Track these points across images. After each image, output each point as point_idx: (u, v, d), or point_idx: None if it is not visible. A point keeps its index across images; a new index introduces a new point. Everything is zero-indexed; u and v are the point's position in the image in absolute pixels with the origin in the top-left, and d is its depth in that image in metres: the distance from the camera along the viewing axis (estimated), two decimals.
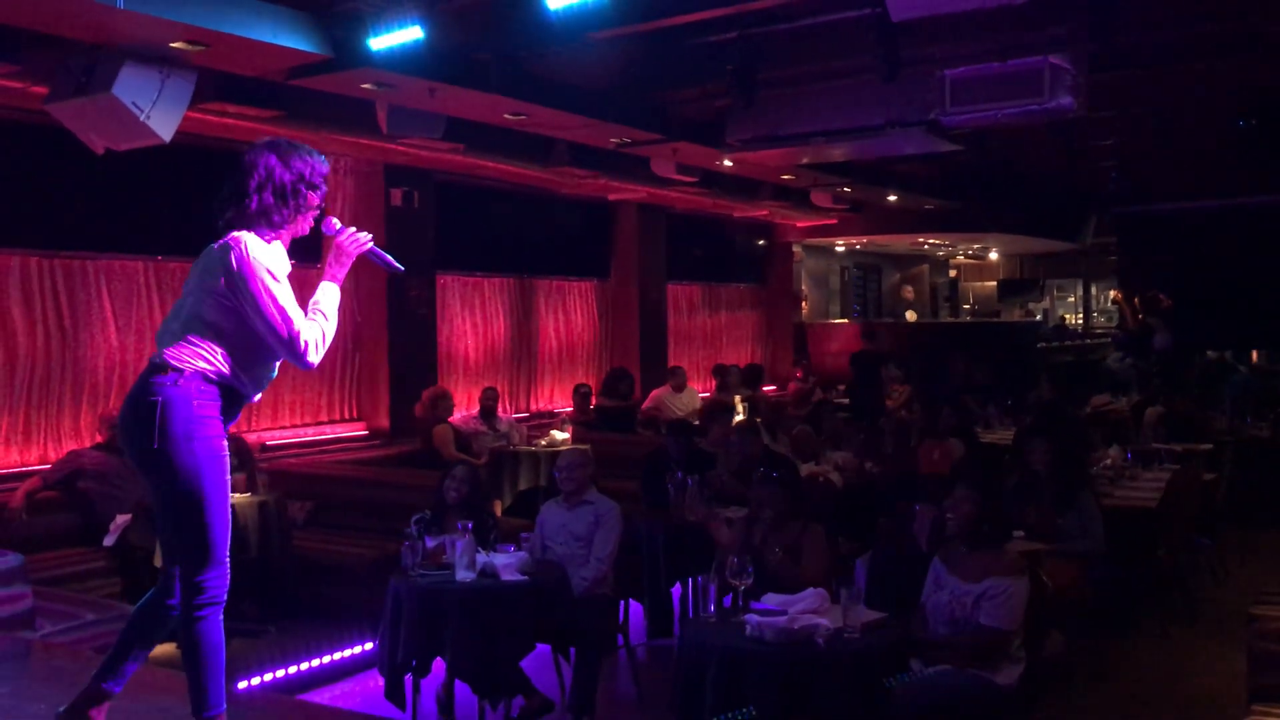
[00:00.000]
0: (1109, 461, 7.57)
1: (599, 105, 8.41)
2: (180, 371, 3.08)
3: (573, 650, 5.50)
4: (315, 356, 3.23)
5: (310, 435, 9.50)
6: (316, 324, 3.22)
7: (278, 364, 3.31)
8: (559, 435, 9.66)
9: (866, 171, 11.99)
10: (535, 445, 9.59)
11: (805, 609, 4.13)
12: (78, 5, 5.27)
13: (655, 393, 12.18)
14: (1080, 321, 22.52)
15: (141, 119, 6.10)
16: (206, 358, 3.12)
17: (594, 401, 11.59)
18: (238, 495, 6.76)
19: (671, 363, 13.39)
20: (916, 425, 9.25)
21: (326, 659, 6.19)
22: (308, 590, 6.86)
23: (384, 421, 9.99)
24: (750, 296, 16.14)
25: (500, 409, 10.38)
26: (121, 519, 6.87)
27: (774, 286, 16.43)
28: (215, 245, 3.19)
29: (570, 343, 12.76)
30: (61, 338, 7.77)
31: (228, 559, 3.17)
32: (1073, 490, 6.15)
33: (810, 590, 4.27)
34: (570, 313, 12.81)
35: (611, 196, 12.64)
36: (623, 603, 6.39)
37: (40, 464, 7.48)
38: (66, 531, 6.99)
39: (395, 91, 7.18)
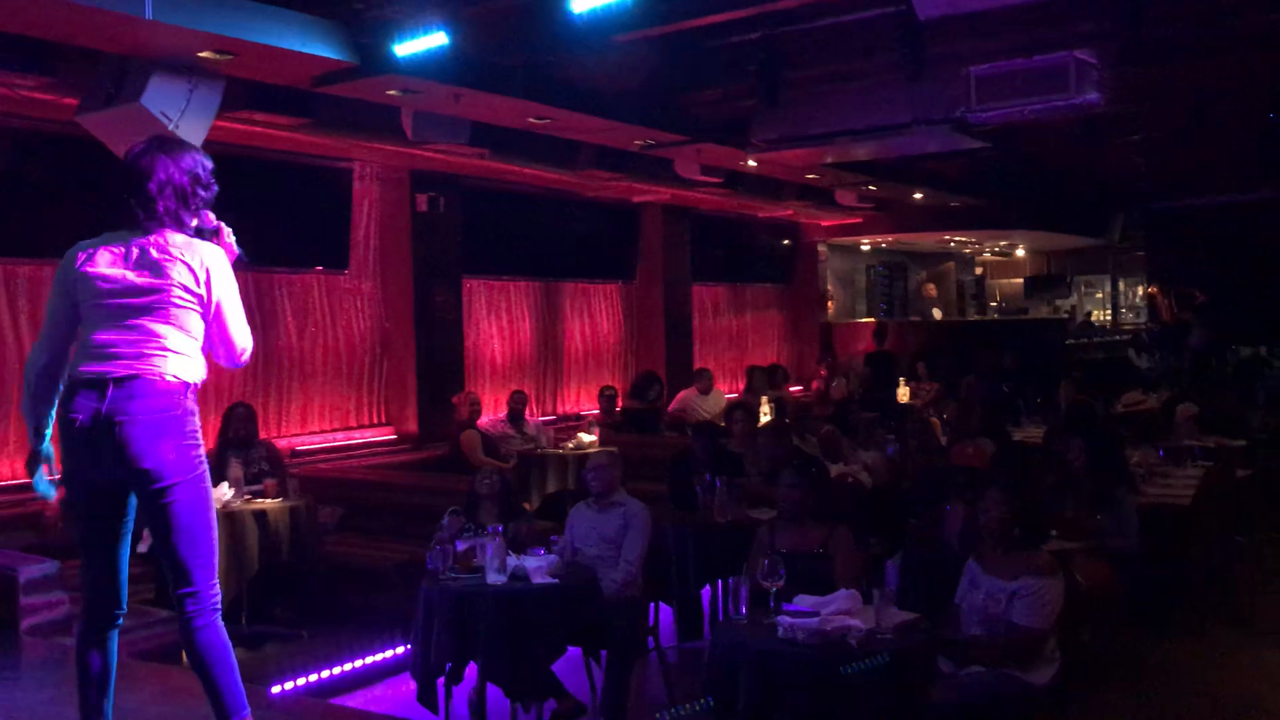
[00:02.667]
0: (1138, 459, 7.50)
1: (623, 108, 8.43)
2: (182, 382, 3.14)
3: (603, 653, 5.51)
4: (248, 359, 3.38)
5: (339, 440, 9.56)
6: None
7: None
8: (586, 438, 9.67)
9: (892, 170, 11.94)
10: (563, 448, 9.60)
11: (837, 610, 4.12)
12: (107, 18, 5.32)
13: (681, 394, 12.17)
14: (1108, 318, 22.34)
15: (170, 128, 6.15)
16: (196, 368, 3.20)
17: (620, 404, 11.59)
18: (270, 501, 6.82)
19: (697, 364, 13.37)
20: (950, 424, 9.21)
21: (359, 663, 6.21)
22: (339, 595, 6.90)
23: (412, 426, 10.03)
24: (776, 297, 16.10)
25: (527, 412, 10.40)
26: None
27: (799, 286, 16.39)
28: (152, 246, 3.14)
29: (596, 345, 12.78)
30: None
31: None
32: (1111, 488, 6.10)
33: (842, 591, 4.25)
34: (596, 315, 12.83)
35: (636, 199, 12.65)
36: (652, 605, 6.40)
37: None
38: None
39: (420, 97, 7.21)
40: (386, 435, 9.99)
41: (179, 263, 3.14)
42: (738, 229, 15.00)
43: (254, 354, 8.52)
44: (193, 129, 6.27)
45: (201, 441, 3.21)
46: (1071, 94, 7.18)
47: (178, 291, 3.13)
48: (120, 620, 3.27)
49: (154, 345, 3.11)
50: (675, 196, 12.42)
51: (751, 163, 10.44)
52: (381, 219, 10.03)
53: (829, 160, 10.48)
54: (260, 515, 6.64)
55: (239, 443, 7.58)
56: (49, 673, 3.89)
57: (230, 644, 3.21)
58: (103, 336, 3.11)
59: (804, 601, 4.25)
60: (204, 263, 3.18)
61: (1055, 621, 4.34)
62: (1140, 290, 21.42)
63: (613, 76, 8.04)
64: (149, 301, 3.12)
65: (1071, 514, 5.94)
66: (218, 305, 3.21)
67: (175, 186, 3.19)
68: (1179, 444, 8.29)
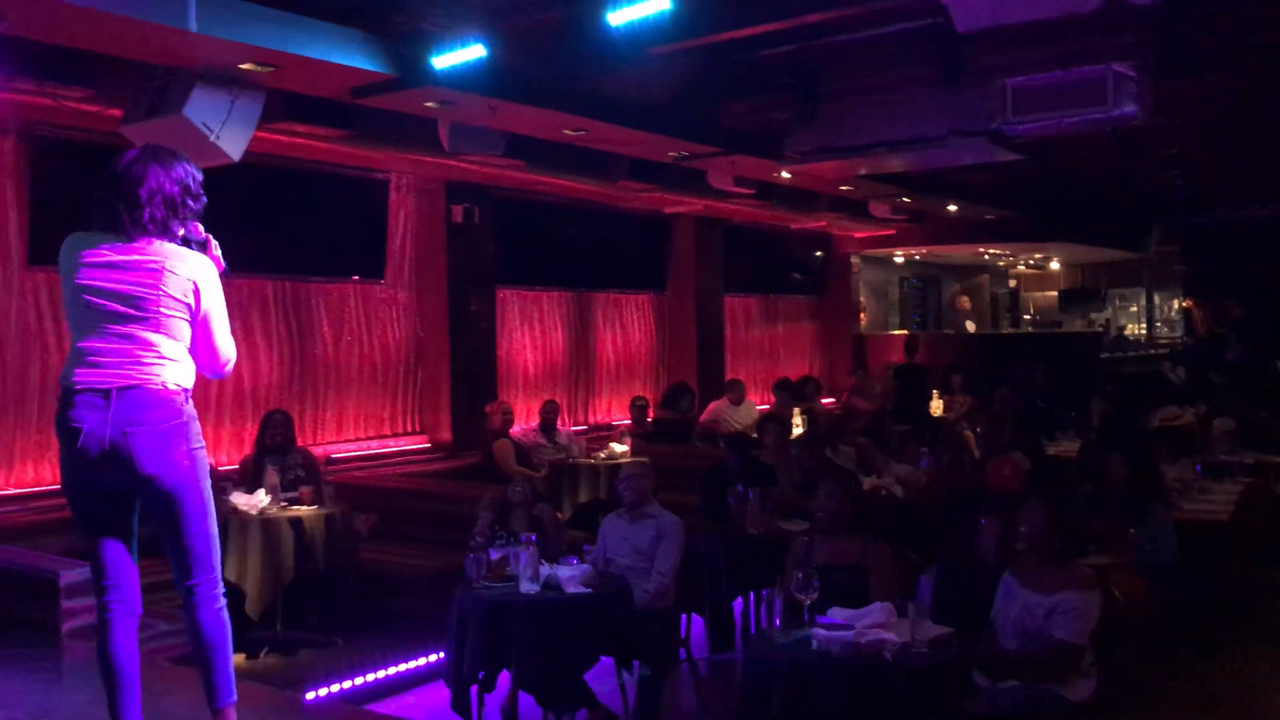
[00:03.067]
0: (1175, 474, 7.43)
1: (657, 119, 8.46)
2: (181, 389, 3.22)
3: (635, 663, 5.52)
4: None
5: (374, 448, 9.62)
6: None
7: None
8: (618, 448, 9.69)
9: (926, 182, 11.91)
10: (594, 458, 9.62)
11: (872, 624, 4.11)
12: (153, 30, 5.41)
13: (713, 405, 12.16)
14: (1143, 332, 22.16)
15: (212, 139, 6.25)
16: (190, 375, 3.27)
17: (651, 414, 11.61)
18: (306, 508, 6.87)
19: (729, 375, 13.38)
20: (983, 437, 9.16)
21: (393, 670, 6.25)
22: (373, 602, 6.94)
23: (446, 435, 10.09)
24: (808, 308, 16.08)
25: (559, 422, 10.44)
26: None
27: (832, 298, 16.35)
28: (143, 254, 3.17)
29: (628, 356, 12.80)
30: None
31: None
32: (1146, 503, 6.05)
33: (877, 605, 4.25)
34: (628, 326, 12.85)
35: (668, 210, 12.68)
36: (683, 616, 6.40)
37: None
38: (141, 543, 7.11)
39: (457, 109, 7.27)
40: (420, 444, 10.05)
41: (168, 272, 3.17)
42: (770, 240, 14.99)
43: (291, 361, 8.73)
44: (234, 140, 6.36)
45: (204, 444, 3.31)
46: (1109, 106, 7.14)
47: (167, 300, 3.17)
48: (138, 614, 3.39)
49: (150, 354, 3.16)
50: (708, 208, 12.44)
51: (785, 174, 10.44)
52: (417, 229, 10.11)
53: (863, 172, 10.47)
54: (296, 522, 6.69)
55: (275, 449, 7.65)
56: (89, 675, 3.94)
57: (230, 633, 3.37)
58: (95, 344, 3.15)
59: (838, 615, 4.25)
60: (193, 273, 3.22)
61: (1093, 637, 4.31)
62: (1176, 304, 21.23)
63: (647, 88, 8.08)
64: (140, 310, 3.15)
65: (1106, 528, 5.89)
66: (205, 315, 3.26)
67: (165, 195, 3.22)
68: (1216, 459, 8.21)
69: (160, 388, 3.16)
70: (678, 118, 8.65)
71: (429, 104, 7.07)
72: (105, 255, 3.17)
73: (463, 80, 6.44)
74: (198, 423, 3.29)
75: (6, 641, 4.90)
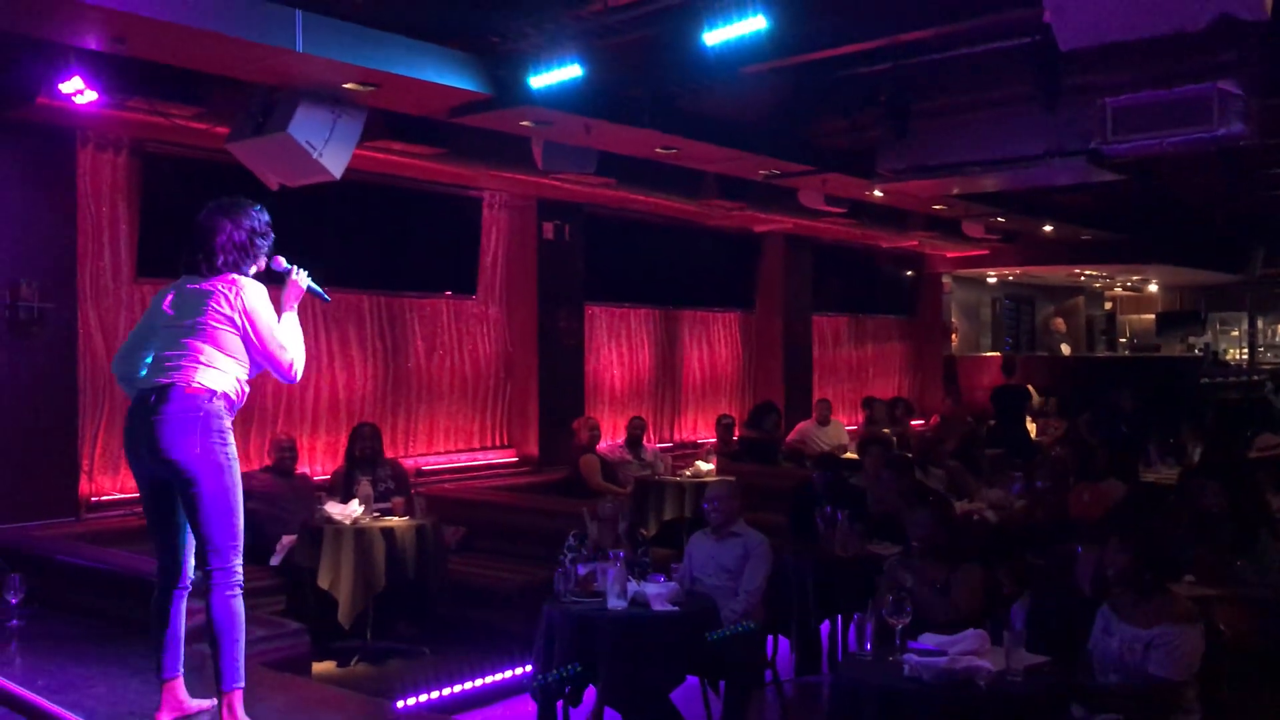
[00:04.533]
0: (1277, 506, 7.18)
1: (748, 137, 8.45)
2: (210, 391, 3.69)
3: (721, 683, 5.50)
4: (299, 375, 3.94)
5: (463, 461, 9.73)
6: (300, 350, 3.92)
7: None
8: (704, 466, 9.67)
9: (1021, 201, 11.71)
10: (680, 475, 9.61)
11: (965, 650, 4.05)
12: (260, 50, 5.57)
13: (800, 425, 12.09)
14: (1245, 356, 21.49)
15: (314, 157, 6.39)
16: (227, 380, 3.75)
17: (737, 433, 11.57)
18: (397, 519, 6.98)
19: (816, 395, 13.28)
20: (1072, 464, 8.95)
21: (480, 682, 6.31)
22: (461, 613, 7.02)
23: (533, 449, 10.17)
24: (898, 328, 15.89)
25: (645, 438, 10.46)
26: (288, 539, 7.16)
27: (923, 318, 16.14)
28: (214, 282, 3.80)
29: (714, 374, 12.78)
30: None
31: (242, 548, 3.78)
32: (1252, 532, 5.87)
33: (970, 631, 4.18)
34: (714, 344, 12.84)
35: (757, 228, 12.65)
36: (770, 637, 6.36)
37: None
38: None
39: (552, 128, 7.35)
40: (508, 457, 10.14)
41: (221, 295, 3.77)
42: (860, 259, 14.86)
43: (385, 374, 8.98)
44: (335, 157, 6.50)
45: (229, 441, 3.74)
46: (1214, 126, 6.95)
47: (216, 317, 3.75)
48: (185, 586, 3.87)
49: (191, 359, 3.71)
50: (797, 226, 12.38)
51: (878, 193, 10.36)
52: (509, 246, 10.23)
53: (956, 191, 10.34)
54: (388, 532, 6.79)
55: (364, 461, 7.79)
56: (190, 680, 4.05)
57: (243, 620, 3.74)
58: (159, 353, 3.75)
59: (930, 640, 4.19)
60: (239, 294, 3.79)
61: (1195, 672, 4.18)
62: None
63: (739, 106, 8.08)
64: (193, 324, 3.75)
65: (1210, 557, 5.72)
66: (251, 329, 3.78)
67: (236, 243, 3.86)
68: None
69: (186, 385, 3.67)
70: (769, 136, 8.64)
71: (524, 123, 7.16)
72: (183, 290, 3.85)
73: (558, 100, 6.51)
74: (224, 421, 3.72)
75: (112, 643, 5.06)
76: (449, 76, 6.29)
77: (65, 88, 5.89)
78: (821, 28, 6.48)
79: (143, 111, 6.58)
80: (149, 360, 3.76)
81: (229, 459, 3.71)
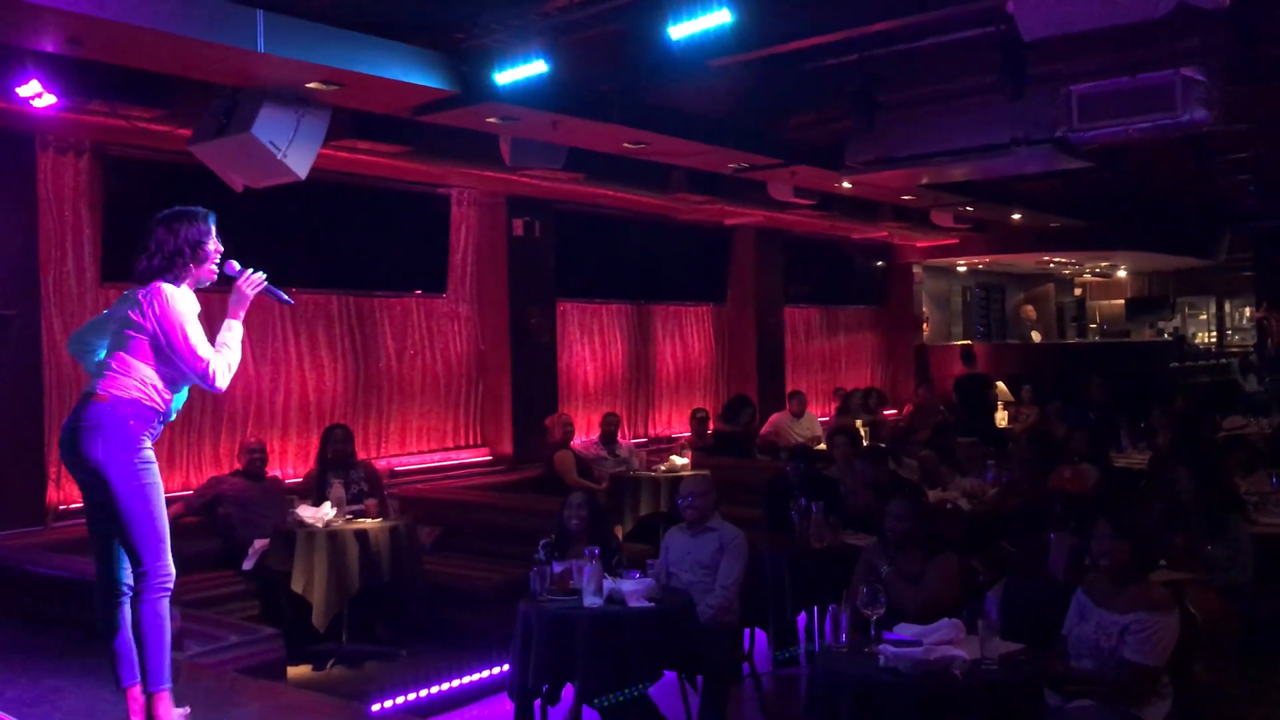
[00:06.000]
0: (1248, 487, 7.24)
1: (717, 131, 8.45)
2: (119, 399, 3.73)
3: (699, 678, 5.49)
4: (222, 382, 3.88)
5: (436, 461, 9.70)
6: (222, 356, 3.88)
7: (188, 388, 3.94)
8: (679, 460, 9.67)
9: (990, 190, 11.77)
10: (655, 470, 9.60)
11: (941, 640, 4.05)
12: (220, 51, 5.50)
13: (774, 418, 12.11)
14: (1213, 340, 21.69)
15: (279, 157, 6.33)
16: (137, 387, 3.76)
17: (711, 427, 11.57)
18: (370, 521, 6.94)
19: (790, 387, 13.31)
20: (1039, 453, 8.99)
21: (457, 682, 6.28)
22: (437, 614, 6.99)
23: (507, 448, 10.14)
24: (869, 319, 15.96)
25: (619, 434, 10.44)
26: (260, 544, 7.10)
27: (894, 309, 16.22)
28: (138, 291, 3.83)
29: (688, 368, 12.78)
30: None
31: (168, 551, 3.79)
32: (1224, 517, 5.91)
33: (945, 621, 4.18)
34: (687, 338, 12.84)
35: (728, 221, 12.65)
36: (746, 630, 6.35)
37: (183, 490, 7.79)
38: (208, 555, 7.24)
39: (519, 124, 7.32)
40: (482, 456, 10.11)
41: (141, 303, 3.79)
42: (831, 251, 14.90)
43: (355, 375, 8.90)
44: (300, 158, 6.44)
45: (144, 446, 3.77)
46: (1178, 112, 6.99)
47: (132, 326, 3.79)
48: (124, 593, 3.85)
49: (110, 368, 3.78)
50: (768, 219, 12.40)
51: (846, 185, 10.38)
52: (478, 243, 10.19)
53: (925, 181, 10.36)
54: (361, 535, 6.75)
55: (337, 463, 7.73)
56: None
57: (169, 624, 3.78)
58: (103, 358, 3.87)
59: (906, 630, 4.19)
60: (154, 300, 3.79)
61: (1169, 657, 4.21)
62: (1247, 311, 20.78)
63: (707, 101, 8.07)
64: (117, 331, 3.83)
65: (1182, 543, 5.76)
66: (163, 336, 3.77)
67: (166, 251, 3.86)
68: None
69: (107, 396, 3.74)
70: (737, 129, 8.64)
71: (491, 120, 7.12)
72: (125, 293, 3.92)
73: (524, 96, 6.47)
74: (132, 428, 3.73)
75: (83, 652, 4.99)
76: (413, 74, 6.25)
77: (23, 91, 5.80)
78: (787, 20, 6.46)
79: (103, 114, 6.51)
80: (97, 359, 3.91)
81: (141, 464, 3.74)
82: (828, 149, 9.28)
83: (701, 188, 10.06)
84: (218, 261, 3.98)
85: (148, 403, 3.78)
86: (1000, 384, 13.28)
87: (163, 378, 3.82)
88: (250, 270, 4.03)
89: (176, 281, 3.87)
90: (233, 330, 3.95)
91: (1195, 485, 6.15)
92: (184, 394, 3.95)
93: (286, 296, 4.22)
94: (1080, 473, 7.49)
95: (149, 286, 3.82)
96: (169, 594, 3.79)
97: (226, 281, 4.04)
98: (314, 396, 8.87)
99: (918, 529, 5.14)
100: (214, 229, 3.97)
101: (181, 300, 3.83)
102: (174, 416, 3.97)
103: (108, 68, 5.89)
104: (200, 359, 3.79)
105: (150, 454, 3.80)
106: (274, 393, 8.60)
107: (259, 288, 4.03)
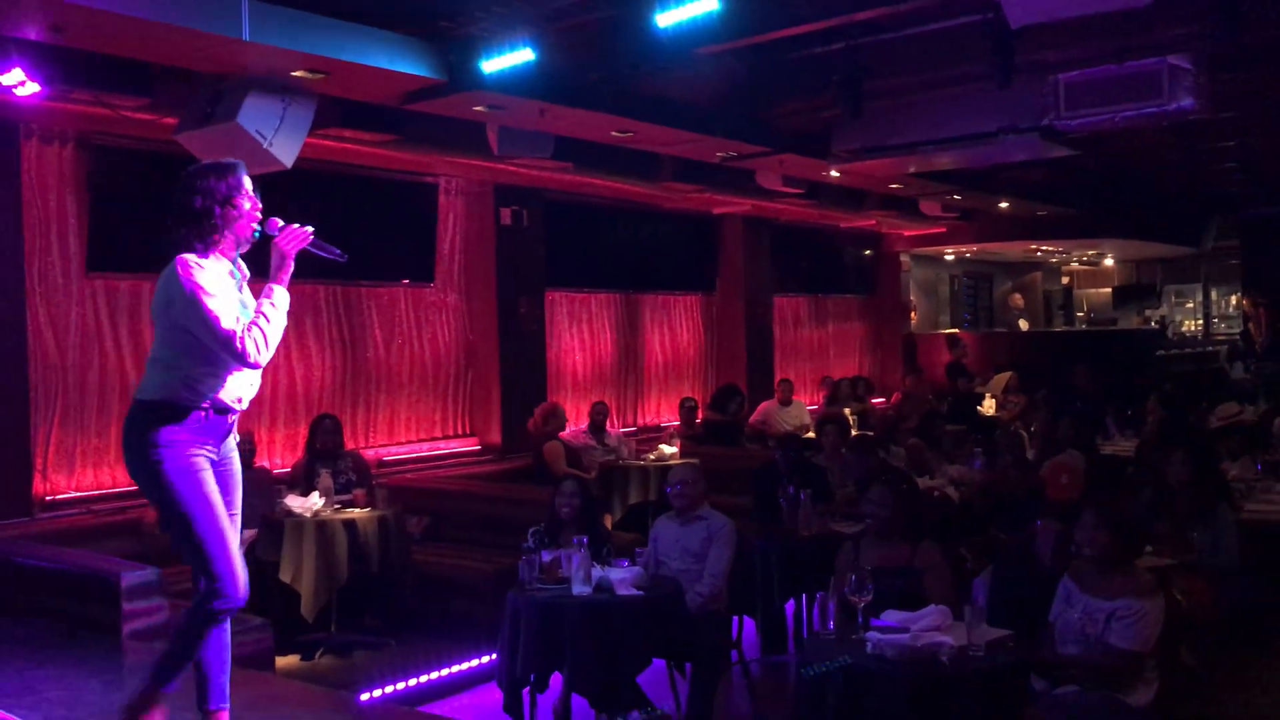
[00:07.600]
0: (1235, 473, 7.28)
1: (705, 120, 8.44)
2: (140, 402, 3.40)
3: (688, 666, 5.50)
4: (259, 356, 3.39)
5: (425, 451, 9.68)
6: (257, 326, 3.39)
7: (239, 370, 3.47)
8: (667, 449, 9.68)
9: (977, 179, 11.79)
10: (644, 459, 9.61)
11: (928, 626, 4.07)
12: (206, 40, 5.48)
13: (762, 406, 12.12)
14: (1200, 327, 21.79)
15: (265, 146, 6.31)
16: (164, 385, 3.38)
17: (700, 415, 11.58)
18: (359, 511, 6.93)
19: (778, 376, 13.32)
20: (1036, 436, 9.04)
21: (446, 672, 6.28)
22: (426, 604, 6.99)
23: (496, 437, 10.13)
24: (858, 308, 15.98)
25: (608, 423, 10.44)
26: (248, 534, 7.05)
27: (882, 297, 16.24)
28: (164, 272, 3.44)
29: (676, 357, 12.78)
30: None
31: (233, 567, 3.38)
32: (1210, 503, 5.94)
33: (932, 607, 4.20)
34: (676, 327, 12.84)
35: (716, 210, 12.65)
36: (735, 618, 6.37)
37: None
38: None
39: (506, 113, 7.30)
40: (471, 446, 10.10)
41: (160, 282, 3.41)
42: (819, 239, 14.92)
43: (343, 365, 8.80)
44: (286, 146, 6.42)
45: (160, 450, 3.33)
46: (1165, 100, 7.02)
47: (157, 309, 3.45)
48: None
49: (147, 366, 3.47)
50: (756, 207, 12.40)
51: (834, 173, 10.38)
52: (466, 233, 10.17)
53: (912, 170, 10.38)
54: (350, 524, 6.74)
55: (325, 454, 7.71)
56: (149, 677, 4.00)
57: (201, 641, 3.47)
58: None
59: (892, 617, 4.20)
60: (170, 275, 3.37)
61: (1155, 642, 4.23)
62: (1234, 299, 20.87)
63: (695, 89, 8.06)
64: (156, 325, 3.49)
65: (1168, 529, 5.79)
66: (179, 311, 3.34)
67: (190, 214, 3.43)
68: (1278, 458, 8.04)
69: (139, 396, 3.42)
70: (725, 118, 8.63)
71: (478, 108, 7.10)
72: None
73: (512, 84, 6.46)
74: (156, 431, 3.34)
75: (69, 644, 4.99)
76: (400, 62, 6.23)
77: (6, 79, 5.76)
78: (774, 8, 6.46)
79: (88, 103, 6.48)
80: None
81: (166, 471, 3.33)
82: (815, 138, 9.29)
83: (689, 176, 10.06)
84: (259, 220, 3.52)
85: (183, 398, 3.36)
86: (990, 397, 13.28)
87: (197, 363, 3.37)
88: (295, 225, 3.55)
89: (206, 249, 3.41)
90: (274, 296, 3.47)
91: (1190, 469, 6.16)
92: (241, 377, 3.49)
93: (338, 251, 3.67)
94: (1074, 470, 7.48)
95: (176, 260, 3.38)
96: (216, 615, 3.44)
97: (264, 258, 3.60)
98: (302, 386, 8.85)
99: (899, 515, 5.15)
100: (246, 181, 3.51)
101: (200, 269, 3.36)
102: (241, 405, 3.53)
103: (92, 55, 5.86)
104: (223, 329, 3.30)
105: (191, 460, 3.36)
106: (261, 382, 8.55)
107: (304, 243, 3.53)
